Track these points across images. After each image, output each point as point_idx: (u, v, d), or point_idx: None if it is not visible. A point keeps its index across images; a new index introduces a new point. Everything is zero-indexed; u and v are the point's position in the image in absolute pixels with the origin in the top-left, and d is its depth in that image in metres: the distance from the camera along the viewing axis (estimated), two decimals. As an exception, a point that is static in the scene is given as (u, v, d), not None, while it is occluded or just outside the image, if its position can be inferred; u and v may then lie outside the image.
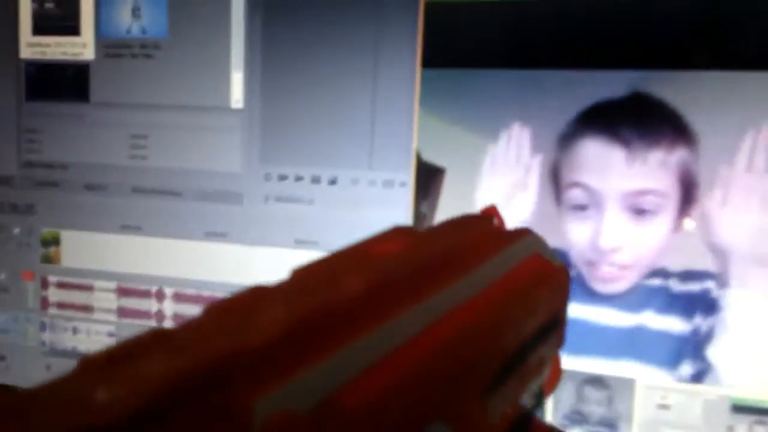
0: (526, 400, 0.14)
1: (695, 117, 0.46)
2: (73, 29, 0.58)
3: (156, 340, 0.09)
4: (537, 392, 0.15)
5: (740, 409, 0.47)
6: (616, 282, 0.48)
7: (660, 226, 0.47)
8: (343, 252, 0.12)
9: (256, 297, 0.10)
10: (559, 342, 0.15)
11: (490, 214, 0.16)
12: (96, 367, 0.08)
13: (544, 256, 0.15)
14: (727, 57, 0.46)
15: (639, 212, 0.47)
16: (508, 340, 0.12)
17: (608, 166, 0.47)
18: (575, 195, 0.48)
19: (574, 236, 0.48)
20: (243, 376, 0.08)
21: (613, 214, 0.47)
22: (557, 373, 0.16)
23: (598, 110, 0.48)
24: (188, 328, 0.09)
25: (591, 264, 0.48)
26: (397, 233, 0.13)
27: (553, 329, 0.15)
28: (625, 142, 0.47)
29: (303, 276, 0.11)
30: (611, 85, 0.47)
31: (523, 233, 0.15)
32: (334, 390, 0.09)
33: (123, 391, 0.07)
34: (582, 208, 0.48)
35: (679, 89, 0.46)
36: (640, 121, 0.47)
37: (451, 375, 0.11)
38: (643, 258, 0.47)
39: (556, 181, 0.49)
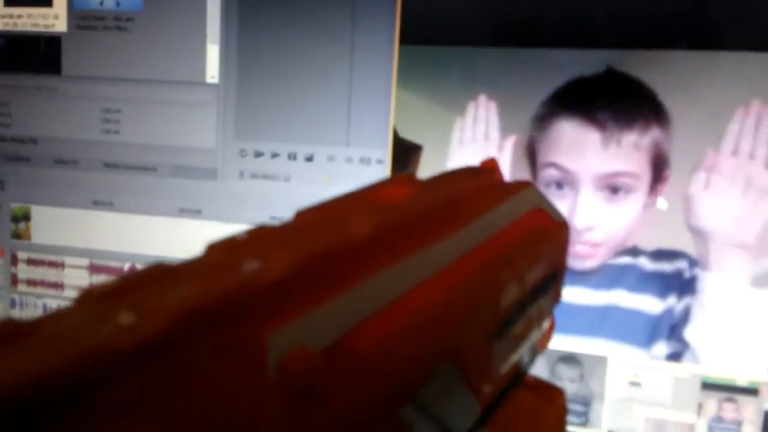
0: (523, 354, 0.14)
1: (668, 96, 0.46)
2: (46, 0, 0.57)
3: (160, 273, 0.08)
4: (532, 347, 0.15)
5: (711, 386, 0.48)
6: (588, 259, 0.48)
7: (632, 205, 0.47)
8: (347, 196, 0.12)
9: (260, 236, 0.10)
10: (557, 297, 0.15)
11: (490, 166, 0.16)
12: (97, 299, 0.08)
13: (545, 210, 0.15)
14: (702, 37, 0.46)
15: (612, 193, 0.47)
16: (511, 290, 0.12)
17: (583, 148, 0.47)
18: (550, 175, 0.48)
19: None
20: (256, 310, 0.08)
21: (587, 194, 0.48)
22: (550, 330, 0.16)
23: (573, 89, 0.48)
24: (192, 264, 0.09)
25: None
26: (400, 180, 0.13)
27: (551, 284, 0.15)
28: (599, 123, 0.47)
29: (308, 218, 0.11)
30: (586, 64, 0.47)
31: (524, 186, 0.15)
32: (348, 330, 0.09)
33: (129, 321, 0.07)
34: (557, 187, 0.48)
35: (653, 69, 0.47)
36: (614, 101, 0.47)
37: (460, 321, 0.11)
38: (615, 236, 0.48)
39: (532, 160, 0.49)
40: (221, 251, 0.09)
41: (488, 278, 0.12)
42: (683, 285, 0.47)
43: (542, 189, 0.48)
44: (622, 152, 0.47)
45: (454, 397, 0.11)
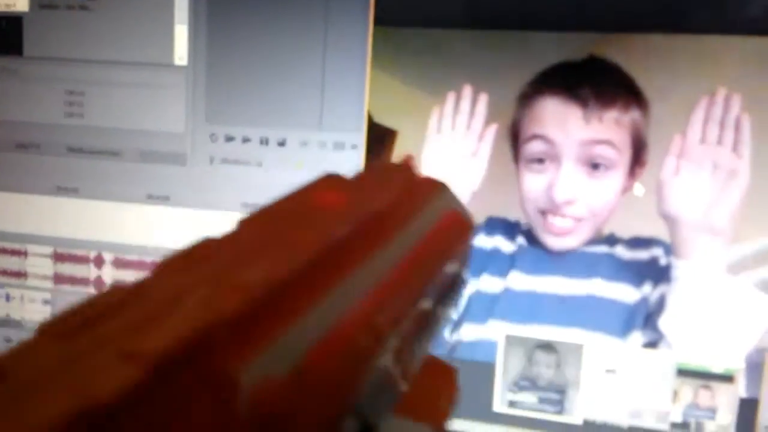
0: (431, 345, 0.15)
1: (644, 80, 0.46)
2: (5, -22, 0.54)
3: (116, 302, 0.08)
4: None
5: (686, 373, 0.47)
6: (568, 236, 0.48)
7: (613, 181, 0.47)
8: (286, 201, 0.12)
9: (207, 252, 0.10)
10: (460, 291, 0.16)
11: (409, 164, 0.16)
12: (62, 335, 0.07)
13: (458, 211, 0.16)
14: (680, 20, 0.45)
15: (594, 166, 0.47)
16: (433, 294, 0.13)
17: (566, 120, 0.47)
18: (534, 147, 0.48)
19: (530, 189, 0.48)
20: (224, 345, 0.08)
21: (569, 166, 0.47)
22: None
23: (556, 72, 0.47)
24: (148, 290, 0.09)
25: (544, 215, 0.48)
26: (330, 183, 0.14)
27: (461, 281, 0.16)
28: (582, 100, 0.47)
29: (252, 229, 0.11)
30: (565, 47, 0.47)
31: (439, 187, 0.16)
32: (305, 353, 0.09)
33: (113, 368, 0.07)
34: (539, 161, 0.48)
35: (630, 52, 0.46)
36: (596, 83, 0.47)
37: (391, 332, 0.11)
38: (596, 213, 0.47)
39: (515, 140, 0.48)
40: (174, 272, 0.09)
41: (415, 286, 0.12)
42: (659, 273, 0.47)
43: (525, 164, 0.48)
44: (603, 125, 0.46)
45: (383, 400, 0.11)
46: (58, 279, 0.56)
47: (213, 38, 0.52)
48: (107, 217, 0.55)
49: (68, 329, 0.08)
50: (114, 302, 0.08)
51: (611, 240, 0.47)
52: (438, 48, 0.49)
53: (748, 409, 0.47)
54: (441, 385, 0.14)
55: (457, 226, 0.15)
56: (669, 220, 0.46)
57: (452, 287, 0.15)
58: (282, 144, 0.52)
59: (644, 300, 0.47)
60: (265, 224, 0.11)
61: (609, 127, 0.46)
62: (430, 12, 0.48)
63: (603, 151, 0.47)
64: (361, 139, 0.50)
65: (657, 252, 0.47)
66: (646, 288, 0.47)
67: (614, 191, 0.47)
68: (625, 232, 0.47)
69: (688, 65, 0.46)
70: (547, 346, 0.49)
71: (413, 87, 0.49)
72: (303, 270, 0.10)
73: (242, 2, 0.51)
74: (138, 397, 0.07)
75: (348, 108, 0.51)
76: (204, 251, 0.10)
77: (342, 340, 0.10)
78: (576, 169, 0.47)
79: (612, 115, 0.46)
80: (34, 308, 0.57)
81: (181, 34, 0.52)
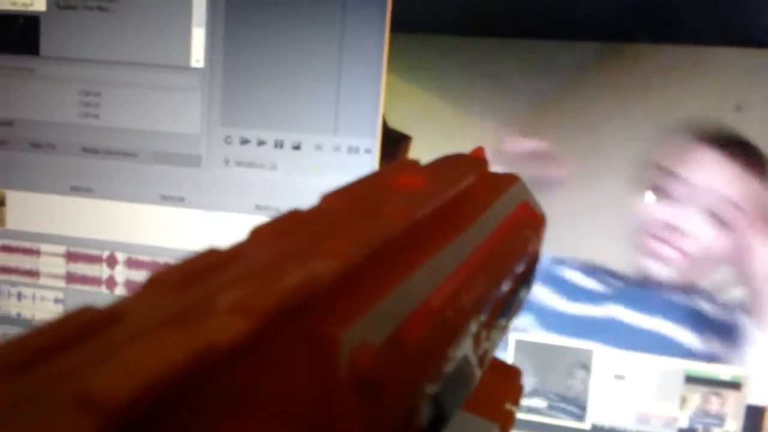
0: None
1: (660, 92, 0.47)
2: (22, -22, 0.55)
3: (217, 260, 0.08)
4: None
5: (694, 380, 0.48)
6: (668, 265, 0.47)
7: (728, 239, 0.46)
8: (367, 181, 0.13)
9: (298, 222, 0.10)
10: (531, 285, 0.17)
11: (480, 155, 0.16)
12: (172, 286, 0.08)
13: (530, 203, 0.16)
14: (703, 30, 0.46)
15: (714, 216, 0.46)
16: (506, 284, 0.13)
17: (705, 167, 0.46)
18: (666, 182, 0.47)
19: (646, 211, 0.48)
20: (323, 306, 0.08)
21: (693, 206, 0.47)
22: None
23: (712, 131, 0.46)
24: (243, 252, 0.09)
25: (652, 237, 0.47)
26: (407, 166, 0.14)
27: (532, 274, 0.16)
28: (728, 155, 0.46)
29: (335, 203, 0.11)
30: (580, 56, 0.47)
31: (513, 180, 0.16)
32: (399, 323, 0.09)
33: (227, 315, 0.07)
34: (665, 193, 0.47)
35: (648, 62, 0.47)
36: (743, 147, 0.46)
37: (474, 314, 0.11)
38: (703, 260, 0.47)
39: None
40: (266, 239, 0.09)
41: (492, 272, 0.13)
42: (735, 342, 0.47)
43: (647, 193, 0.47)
44: (737, 185, 0.46)
45: (461, 388, 0.11)
46: (70, 278, 0.56)
47: (230, 41, 0.52)
48: (121, 217, 0.55)
49: (176, 281, 0.08)
50: (213, 262, 0.09)
51: (697, 290, 0.47)
52: (454, 54, 0.49)
53: (755, 416, 0.48)
54: (506, 385, 0.14)
55: (529, 218, 0.15)
56: (750, 283, 0.46)
57: (527, 283, 0.15)
58: (297, 147, 0.52)
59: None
60: (347, 200, 0.11)
61: (741, 189, 0.46)
62: (446, 18, 0.49)
63: (727, 208, 0.46)
64: (375, 143, 0.51)
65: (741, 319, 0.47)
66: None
67: (728, 248, 0.46)
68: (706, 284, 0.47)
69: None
70: (556, 351, 0.50)
71: (428, 93, 0.50)
72: (393, 243, 0.10)
73: (260, 6, 0.51)
74: (249, 346, 0.07)
75: (363, 113, 0.51)
76: (292, 221, 0.10)
77: (432, 316, 0.10)
78: (698, 212, 0.47)
79: (748, 179, 0.46)
80: (45, 307, 0.57)
81: (198, 36, 0.52)
